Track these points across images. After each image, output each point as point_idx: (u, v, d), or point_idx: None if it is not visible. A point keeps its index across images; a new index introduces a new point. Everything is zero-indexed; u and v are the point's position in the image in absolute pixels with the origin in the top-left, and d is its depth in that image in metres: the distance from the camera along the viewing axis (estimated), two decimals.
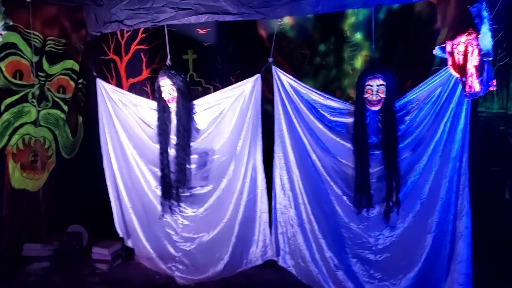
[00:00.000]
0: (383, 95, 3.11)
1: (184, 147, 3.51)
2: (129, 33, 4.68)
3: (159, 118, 3.57)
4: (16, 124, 3.88)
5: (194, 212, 3.65)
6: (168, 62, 3.61)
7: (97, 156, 3.95)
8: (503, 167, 3.51)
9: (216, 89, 4.45)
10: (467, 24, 2.26)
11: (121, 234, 3.96)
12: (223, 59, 4.55)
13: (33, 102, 4.00)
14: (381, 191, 3.17)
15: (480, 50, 2.29)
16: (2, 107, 3.74)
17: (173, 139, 3.57)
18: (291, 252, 3.46)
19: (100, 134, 3.87)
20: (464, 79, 2.37)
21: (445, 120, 3.09)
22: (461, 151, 3.09)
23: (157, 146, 3.59)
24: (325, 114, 3.31)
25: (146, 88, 4.75)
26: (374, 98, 3.12)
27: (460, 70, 2.37)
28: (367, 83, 3.13)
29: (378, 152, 3.19)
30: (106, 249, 3.95)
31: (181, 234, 3.70)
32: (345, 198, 3.29)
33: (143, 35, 4.65)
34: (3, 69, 3.72)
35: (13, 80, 3.81)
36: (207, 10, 3.45)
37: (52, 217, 4.17)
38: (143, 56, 4.70)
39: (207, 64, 4.62)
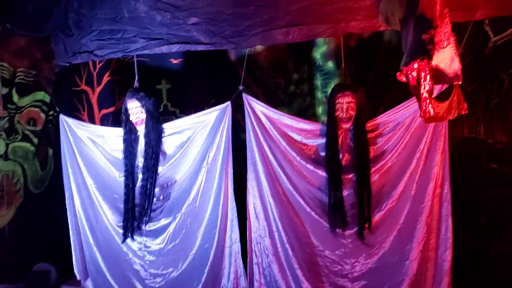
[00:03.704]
0: (353, 112, 3.13)
1: (151, 169, 3.42)
2: (101, 64, 4.64)
3: (125, 140, 3.50)
4: None
5: (159, 245, 3.52)
6: (136, 84, 3.57)
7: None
8: (477, 192, 3.54)
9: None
10: (421, 50, 2.33)
11: (78, 277, 3.78)
12: (197, 89, 4.54)
13: (1, 135, 3.89)
14: (355, 215, 3.15)
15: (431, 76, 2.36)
16: None
17: (140, 162, 3.49)
18: (266, 284, 3.36)
19: (63, 170, 3.79)
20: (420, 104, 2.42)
21: (421, 145, 3.12)
22: (441, 177, 3.11)
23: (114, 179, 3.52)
24: (299, 138, 3.31)
25: (118, 119, 4.67)
26: (345, 115, 3.14)
27: (416, 95, 2.43)
28: (337, 101, 3.16)
29: (351, 175, 3.18)
30: (76, 287, 3.77)
31: (149, 271, 3.56)
32: (321, 223, 3.23)
33: (116, 65, 4.62)
34: None
35: None
36: (179, 40, 3.46)
37: (19, 255, 3.98)
38: (115, 87, 4.65)
39: (181, 93, 4.61)
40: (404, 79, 2.50)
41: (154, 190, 3.46)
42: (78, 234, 3.77)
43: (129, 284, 3.62)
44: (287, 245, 3.28)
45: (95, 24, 3.50)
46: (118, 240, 3.60)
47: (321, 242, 3.25)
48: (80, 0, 3.50)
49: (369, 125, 3.22)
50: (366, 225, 3.14)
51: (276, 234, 3.32)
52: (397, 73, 2.55)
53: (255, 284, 3.37)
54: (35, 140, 4.23)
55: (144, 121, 3.45)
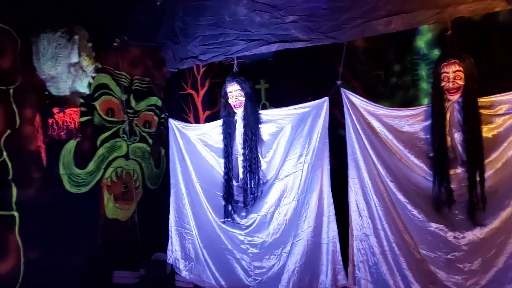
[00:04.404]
0: (461, 82, 2.86)
1: (252, 150, 3.49)
2: (204, 68, 4.93)
3: (224, 122, 3.63)
4: (110, 158, 4.25)
5: (261, 238, 3.59)
6: (235, 68, 3.67)
7: None
8: None
9: None
10: None
11: (178, 265, 3.99)
12: (295, 87, 4.56)
13: (124, 137, 4.35)
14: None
15: None
16: (98, 143, 4.12)
17: (239, 144, 3.58)
18: (373, 282, 3.25)
19: (170, 168, 4.06)
20: None
21: None
22: None
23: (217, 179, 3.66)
24: (403, 125, 3.15)
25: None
26: (451, 85, 2.89)
27: None
28: (442, 70, 2.91)
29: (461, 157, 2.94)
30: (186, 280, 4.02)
31: (253, 264, 3.65)
32: (428, 224, 3.05)
33: (217, 69, 4.86)
34: (98, 107, 4.12)
35: (106, 118, 4.20)
36: (277, 39, 3.51)
37: (139, 245, 4.41)
38: (217, 89, 4.90)
39: (279, 92, 4.67)
40: None
41: (256, 169, 3.52)
42: (178, 227, 4.00)
43: (235, 276, 3.74)
44: (393, 244, 3.14)
45: (199, 30, 3.72)
46: (221, 234, 3.75)
47: (429, 244, 3.03)
48: (185, 9, 3.74)
49: (483, 100, 2.88)
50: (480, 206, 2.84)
51: (382, 233, 3.19)
52: None
53: (362, 282, 3.27)
54: (150, 141, 4.66)
55: (243, 104, 3.53)
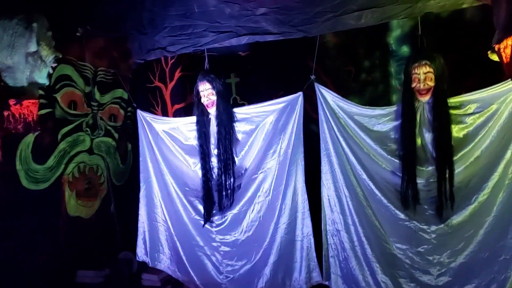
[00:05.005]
0: (431, 83, 2.89)
1: (226, 150, 3.43)
2: (172, 60, 4.80)
3: (198, 122, 3.55)
4: (72, 153, 4.03)
5: (234, 236, 3.54)
6: (206, 66, 3.60)
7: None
8: None
9: None
10: None
11: (145, 258, 3.93)
12: (266, 81, 4.52)
13: (87, 131, 4.16)
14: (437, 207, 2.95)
15: None
16: (59, 137, 3.91)
17: (213, 144, 3.52)
18: (343, 276, 3.26)
19: (140, 163, 3.95)
20: None
21: None
22: None
23: (198, 172, 3.56)
24: (373, 124, 3.17)
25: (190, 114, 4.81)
26: (422, 86, 2.91)
27: (510, 75, 2.18)
28: (413, 72, 2.93)
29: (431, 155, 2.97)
30: (156, 275, 3.93)
31: (224, 262, 3.60)
32: (400, 216, 3.08)
33: (186, 61, 4.74)
34: (59, 100, 3.90)
35: (68, 110, 3.98)
36: (248, 31, 3.46)
37: (103, 244, 4.25)
38: (186, 83, 4.78)
39: (250, 86, 4.62)
40: (496, 58, 2.26)
41: (231, 169, 3.46)
42: (152, 222, 3.91)
43: (206, 273, 3.68)
44: (363, 238, 3.16)
45: (167, 21, 3.61)
46: (193, 230, 3.68)
47: (400, 237, 3.08)
48: None
49: (452, 101, 2.93)
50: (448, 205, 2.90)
51: (352, 228, 3.20)
52: (488, 52, 2.30)
53: (332, 276, 3.27)
54: (116, 135, 4.48)
55: (215, 103, 3.47)
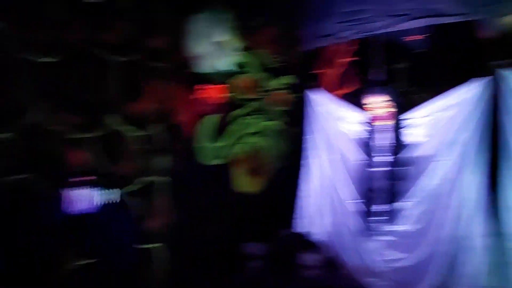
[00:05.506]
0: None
1: (395, 161, 3.42)
2: (342, 46, 4.76)
3: (366, 131, 3.61)
4: (242, 134, 4.45)
5: (401, 226, 3.46)
6: (381, 76, 3.62)
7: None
8: None
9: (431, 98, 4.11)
10: None
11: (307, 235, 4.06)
12: (436, 67, 4.15)
13: (257, 114, 4.52)
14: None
15: None
16: (231, 119, 4.35)
17: (380, 154, 3.52)
18: None
19: (306, 144, 4.14)
20: None
21: None
22: None
23: (357, 161, 3.60)
24: None
25: (356, 99, 4.74)
26: None
27: None
28: None
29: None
30: (317, 254, 4.02)
31: (389, 251, 3.55)
32: None
33: (356, 47, 4.66)
34: (235, 85, 4.32)
35: (241, 95, 4.38)
36: (423, 14, 3.23)
37: (268, 219, 4.58)
38: (354, 68, 4.71)
39: (419, 73, 4.31)
40: None
41: (402, 159, 3.45)
42: (315, 201, 4.10)
43: (367, 258, 3.68)
44: None
45: (337, 7, 3.61)
46: (358, 216, 3.74)
47: None
48: None
49: None
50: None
51: None
52: None
53: None
54: (282, 119, 4.75)
55: (388, 115, 3.50)
